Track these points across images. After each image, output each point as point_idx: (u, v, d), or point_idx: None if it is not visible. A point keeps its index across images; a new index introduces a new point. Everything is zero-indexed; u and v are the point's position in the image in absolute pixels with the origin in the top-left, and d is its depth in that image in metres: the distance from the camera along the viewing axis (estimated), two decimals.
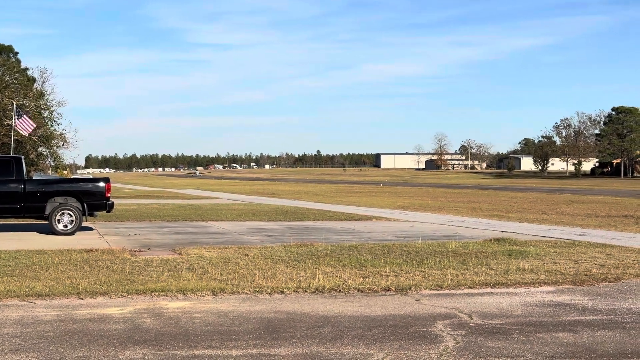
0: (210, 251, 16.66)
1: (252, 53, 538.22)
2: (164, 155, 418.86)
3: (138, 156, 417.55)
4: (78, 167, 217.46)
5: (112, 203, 22.83)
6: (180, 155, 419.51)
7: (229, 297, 11.22)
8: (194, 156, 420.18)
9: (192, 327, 9.15)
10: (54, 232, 21.07)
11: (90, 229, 23.08)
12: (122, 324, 9.32)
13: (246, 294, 11.49)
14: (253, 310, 10.24)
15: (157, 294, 11.31)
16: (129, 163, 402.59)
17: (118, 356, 7.79)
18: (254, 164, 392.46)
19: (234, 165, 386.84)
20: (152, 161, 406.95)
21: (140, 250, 17.02)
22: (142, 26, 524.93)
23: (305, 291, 11.70)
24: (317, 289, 11.80)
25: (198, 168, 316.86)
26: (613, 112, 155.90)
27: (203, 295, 11.29)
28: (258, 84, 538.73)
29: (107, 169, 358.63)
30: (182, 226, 24.72)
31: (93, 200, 22.05)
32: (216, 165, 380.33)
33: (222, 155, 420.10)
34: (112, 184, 24.12)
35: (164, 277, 12.77)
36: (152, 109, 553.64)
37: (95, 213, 22.37)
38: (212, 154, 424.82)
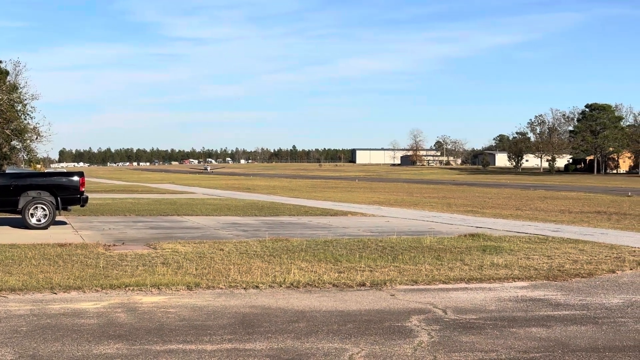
0: (185, 246, 16.61)
1: (228, 48, 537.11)
2: (138, 149, 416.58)
3: (113, 150, 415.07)
4: (52, 161, 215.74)
5: (86, 197, 22.69)
6: (155, 149, 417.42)
7: (204, 292, 11.20)
8: (169, 150, 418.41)
9: (166, 322, 9.12)
10: (27, 227, 20.90)
11: (64, 223, 22.93)
12: (96, 318, 9.27)
13: (221, 288, 11.47)
14: (228, 305, 10.23)
15: (131, 288, 11.27)
16: (104, 157, 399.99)
17: (92, 351, 7.75)
18: (229, 158, 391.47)
19: (210, 160, 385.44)
20: (127, 155, 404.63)
21: (114, 245, 16.94)
22: (118, 20, 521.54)
23: (281, 286, 11.70)
24: (292, 284, 11.81)
25: (211, 161, 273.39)
26: (587, 109, 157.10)
27: (178, 290, 11.26)
28: (234, 79, 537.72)
29: (82, 163, 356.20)
30: (157, 221, 24.62)
31: (67, 195, 21.90)
32: (191, 160, 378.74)
33: (198, 149, 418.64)
34: (86, 178, 23.97)
35: (138, 272, 12.72)
36: (127, 103, 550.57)
37: (69, 207, 22.23)
38: (187, 149, 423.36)
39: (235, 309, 10.00)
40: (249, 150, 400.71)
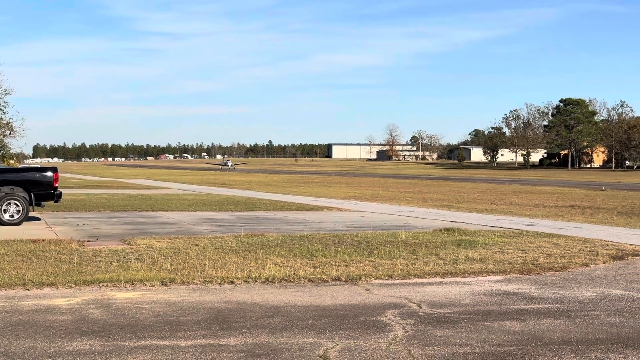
0: (160, 241, 16.53)
1: (203, 42, 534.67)
2: (113, 145, 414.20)
3: (87, 146, 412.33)
4: (25, 157, 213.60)
5: (60, 193, 22.51)
6: (130, 145, 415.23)
7: (178, 288, 11.15)
8: (145, 146, 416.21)
9: (140, 318, 9.07)
10: (0, 223, 20.70)
11: (37, 219, 22.74)
12: (69, 314, 9.20)
13: (196, 284, 11.43)
14: (203, 301, 10.19)
15: (105, 284, 11.20)
16: (78, 153, 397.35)
17: (64, 347, 7.69)
18: (205, 154, 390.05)
19: (185, 155, 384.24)
20: (102, 151, 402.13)
21: (88, 241, 16.82)
22: (93, 14, 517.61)
23: (256, 281, 11.68)
24: (267, 279, 11.79)
25: (229, 158, 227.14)
26: (561, 104, 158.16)
27: (152, 286, 11.21)
28: (210, 74, 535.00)
29: (56, 159, 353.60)
30: (132, 216, 24.49)
31: (40, 190, 21.71)
32: (167, 155, 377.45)
33: (173, 145, 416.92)
34: (60, 174, 23.79)
35: (112, 268, 12.64)
36: (101, 98, 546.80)
37: (43, 203, 22.04)
38: (163, 144, 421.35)
39: (210, 304, 9.97)
40: (225, 146, 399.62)
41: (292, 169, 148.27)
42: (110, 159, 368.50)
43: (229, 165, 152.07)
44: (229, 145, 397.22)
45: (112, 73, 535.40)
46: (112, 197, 35.93)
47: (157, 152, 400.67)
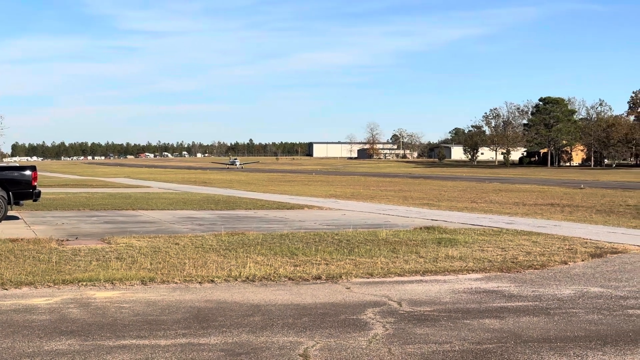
0: (140, 240, 16.47)
1: (185, 41, 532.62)
2: (93, 143, 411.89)
3: (67, 144, 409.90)
4: (4, 155, 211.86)
5: (39, 192, 22.38)
6: (110, 143, 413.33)
7: (158, 287, 11.11)
8: (125, 144, 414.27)
9: (120, 317, 9.03)
10: None
11: (16, 218, 22.57)
12: (48, 314, 9.15)
13: (176, 283, 11.40)
14: (183, 300, 10.16)
15: (84, 283, 11.14)
16: (58, 151, 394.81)
17: (43, 347, 7.64)
18: (185, 152, 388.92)
19: (165, 153, 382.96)
20: (82, 149, 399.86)
21: (68, 240, 16.73)
22: (73, 12, 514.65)
23: (236, 280, 11.66)
24: (248, 278, 11.77)
25: (239, 158, 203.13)
26: (540, 103, 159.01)
27: (132, 285, 11.16)
28: (190, 72, 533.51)
29: (35, 157, 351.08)
30: (112, 215, 24.38)
31: (19, 189, 21.57)
32: (147, 154, 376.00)
33: (154, 143, 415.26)
34: (39, 172, 23.65)
35: (92, 267, 12.58)
36: (81, 97, 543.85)
37: (22, 202, 21.90)
38: (143, 143, 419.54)
39: (190, 303, 9.94)
40: (206, 144, 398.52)
41: (273, 167, 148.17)
42: (90, 157, 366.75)
43: (237, 165, 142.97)
44: (209, 144, 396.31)
45: (92, 71, 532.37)
46: (91, 195, 35.74)
47: (137, 150, 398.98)
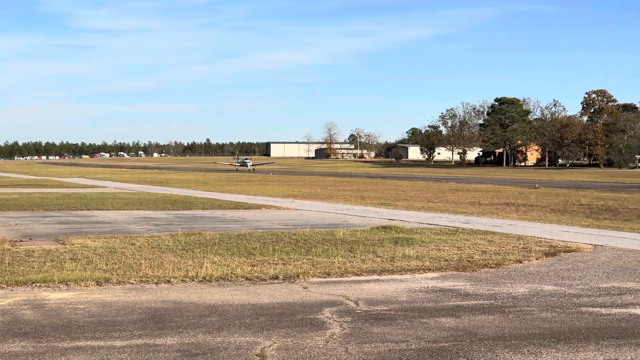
0: (95, 241, 16.30)
1: (141, 39, 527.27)
2: (48, 143, 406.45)
3: (20, 144, 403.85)
4: None
5: None
6: (65, 143, 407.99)
7: (114, 287, 11.01)
8: (80, 144, 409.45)
9: (75, 318, 8.93)
10: None
11: None
12: (1, 316, 9.01)
13: (132, 283, 11.31)
14: (139, 300, 10.08)
15: (38, 284, 11.00)
16: (11, 151, 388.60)
17: None
18: (142, 152, 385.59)
19: (121, 153, 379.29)
20: (36, 149, 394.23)
21: (21, 241, 16.50)
22: (26, 10, 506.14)
23: (193, 280, 11.61)
24: (204, 278, 11.72)
25: (250, 157, 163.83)
26: (496, 103, 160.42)
27: (87, 286, 11.05)
28: (147, 71, 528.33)
29: None
30: (67, 215, 24.10)
31: None
32: (103, 154, 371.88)
33: (109, 143, 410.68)
34: None
35: (46, 268, 12.42)
36: (35, 96, 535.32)
37: None
38: (99, 142, 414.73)
39: (146, 304, 9.87)
40: (162, 144, 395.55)
41: (228, 167, 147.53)
42: (44, 157, 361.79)
43: (248, 166, 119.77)
44: (166, 144, 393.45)
45: (47, 70, 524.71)
46: (46, 196, 35.28)
47: (92, 150, 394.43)
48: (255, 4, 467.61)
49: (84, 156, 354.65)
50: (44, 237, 17.48)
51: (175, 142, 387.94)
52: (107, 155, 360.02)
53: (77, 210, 26.26)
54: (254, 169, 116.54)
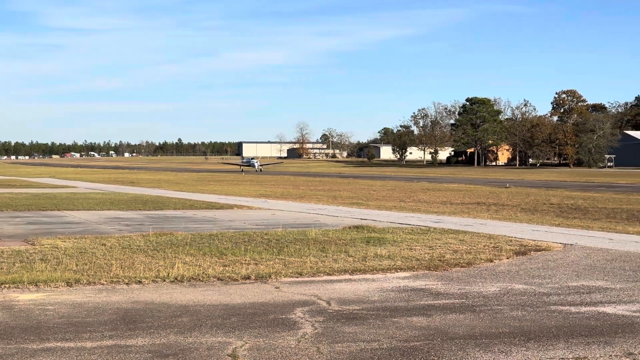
0: (65, 241, 16.18)
1: (112, 38, 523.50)
2: (17, 142, 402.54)
3: None
4: None
5: None
6: (34, 142, 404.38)
7: (84, 288, 10.94)
8: (50, 144, 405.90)
9: (44, 320, 8.86)
10: None
11: None
12: None
13: (103, 284, 11.23)
14: (109, 301, 10.02)
15: (7, 286, 10.89)
16: None
17: None
18: (112, 152, 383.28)
19: (92, 153, 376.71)
20: (5, 149, 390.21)
21: None
22: None
23: (164, 280, 11.56)
24: (176, 278, 11.67)
25: (256, 157, 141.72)
26: (467, 103, 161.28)
27: (57, 287, 10.96)
28: (118, 70, 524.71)
29: None
30: (36, 216, 23.89)
31: None
32: (73, 154, 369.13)
33: (80, 143, 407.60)
34: None
35: (15, 269, 12.30)
36: (4, 95, 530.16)
37: None
38: (69, 142, 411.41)
39: (117, 304, 9.81)
40: (134, 144, 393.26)
41: (202, 167, 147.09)
42: (13, 157, 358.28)
43: (255, 167, 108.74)
44: (137, 143, 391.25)
45: (16, 69, 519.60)
46: (15, 196, 34.93)
47: (62, 150, 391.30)
48: (227, 3, 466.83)
49: (54, 156, 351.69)
50: (12, 237, 17.32)
51: (147, 142, 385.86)
52: (78, 155, 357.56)
53: (47, 211, 26.04)
54: (261, 170, 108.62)
